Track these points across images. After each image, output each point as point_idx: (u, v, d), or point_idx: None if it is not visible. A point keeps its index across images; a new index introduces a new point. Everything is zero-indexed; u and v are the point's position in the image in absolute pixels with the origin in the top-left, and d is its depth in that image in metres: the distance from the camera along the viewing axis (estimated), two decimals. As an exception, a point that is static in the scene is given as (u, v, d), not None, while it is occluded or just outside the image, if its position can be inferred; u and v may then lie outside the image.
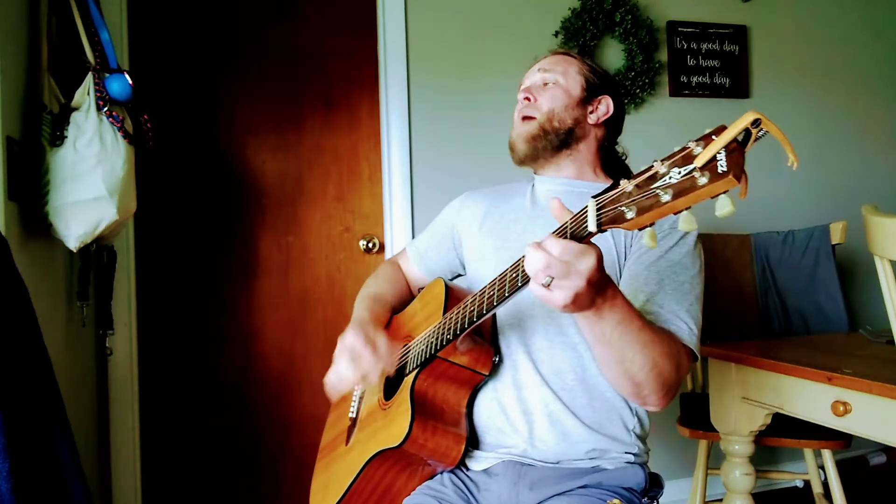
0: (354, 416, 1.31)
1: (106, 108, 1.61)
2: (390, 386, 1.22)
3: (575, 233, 0.84)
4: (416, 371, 1.12)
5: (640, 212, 0.76)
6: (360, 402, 1.33)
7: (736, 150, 0.70)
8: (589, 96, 1.30)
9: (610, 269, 1.11)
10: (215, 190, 2.31)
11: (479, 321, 1.01)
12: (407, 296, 1.45)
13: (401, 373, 1.19)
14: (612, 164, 1.36)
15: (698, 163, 0.71)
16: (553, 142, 1.27)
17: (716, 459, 2.14)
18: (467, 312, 1.04)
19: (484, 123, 2.42)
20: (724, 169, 0.69)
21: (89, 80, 1.61)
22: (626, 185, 0.78)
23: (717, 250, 2.36)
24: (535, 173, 1.35)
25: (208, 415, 2.30)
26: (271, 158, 2.36)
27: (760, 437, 1.82)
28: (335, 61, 2.40)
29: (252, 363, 2.34)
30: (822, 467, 2.19)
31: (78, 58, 1.66)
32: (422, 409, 1.08)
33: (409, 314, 1.32)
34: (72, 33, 1.66)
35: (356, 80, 2.41)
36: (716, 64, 2.66)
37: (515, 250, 1.20)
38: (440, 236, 1.42)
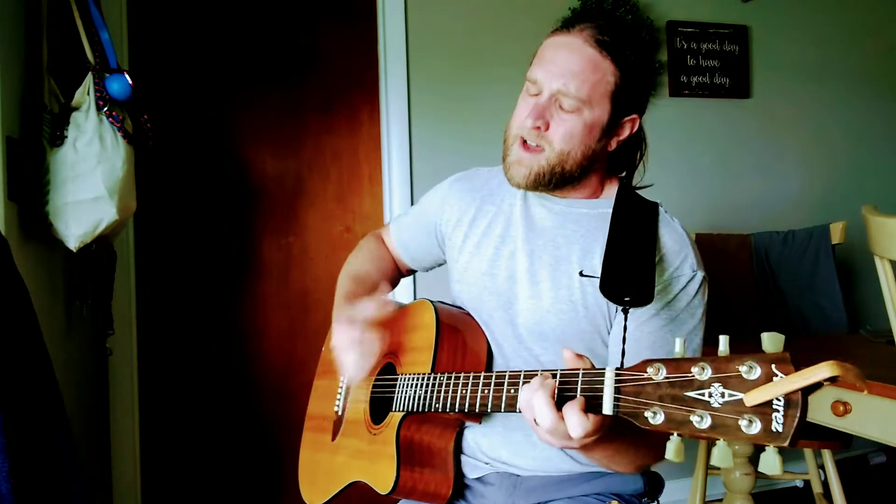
0: (340, 413, 1.30)
1: (106, 108, 1.61)
2: (376, 403, 1.19)
3: (585, 395, 0.76)
4: (402, 415, 1.08)
5: (667, 423, 0.65)
6: (345, 398, 1.31)
7: (797, 404, 0.57)
8: (615, 118, 1.05)
9: (601, 320, 1.05)
10: (215, 190, 2.31)
11: (469, 414, 0.99)
12: (393, 273, 1.36)
13: (388, 399, 1.15)
14: (619, 160, 1.18)
15: (749, 400, 0.59)
16: (559, 181, 1.06)
17: (716, 459, 2.13)
18: (459, 397, 0.97)
19: (484, 123, 2.42)
20: (779, 430, 0.57)
21: (89, 80, 1.61)
22: (655, 374, 0.67)
23: (717, 250, 2.36)
24: None
25: (208, 415, 2.30)
26: (271, 158, 2.36)
27: (760, 437, 1.81)
28: (335, 62, 2.40)
29: (252, 363, 2.34)
30: (822, 467, 2.19)
31: (78, 58, 1.66)
32: (408, 454, 1.07)
33: (393, 325, 1.24)
34: (72, 33, 1.66)
35: (356, 81, 2.41)
36: (716, 64, 2.66)
37: (502, 279, 1.12)
38: (424, 231, 1.30)
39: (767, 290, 2.36)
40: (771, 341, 0.61)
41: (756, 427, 0.58)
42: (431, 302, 1.15)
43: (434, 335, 1.08)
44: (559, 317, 1.06)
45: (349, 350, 1.08)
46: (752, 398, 0.58)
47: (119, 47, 2.05)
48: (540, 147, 1.04)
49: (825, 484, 2.21)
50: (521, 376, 0.87)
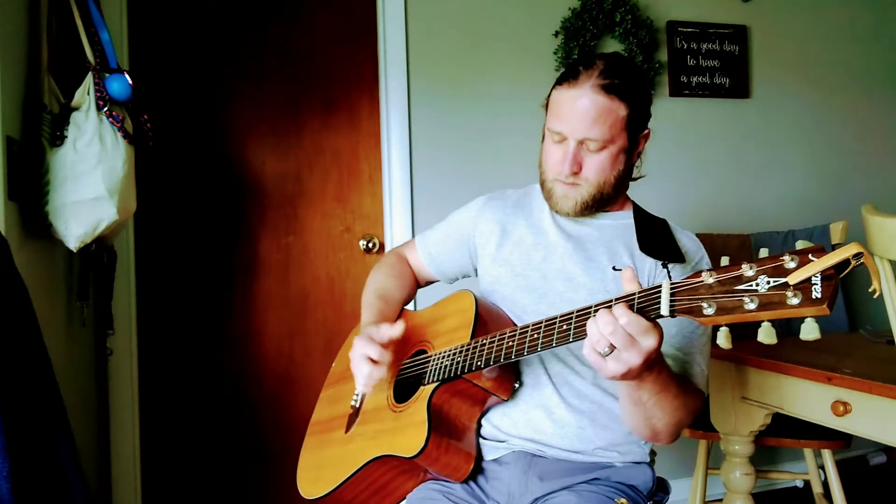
0: (357, 405, 1.31)
1: (106, 108, 1.61)
2: (401, 388, 1.21)
3: (643, 308, 0.85)
4: (435, 385, 1.12)
5: (720, 311, 0.76)
6: (363, 393, 1.32)
7: (832, 277, 0.69)
8: (633, 140, 1.19)
9: None
10: (215, 190, 2.31)
11: (516, 359, 1.03)
12: (414, 291, 1.44)
13: (416, 380, 1.19)
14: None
15: (792, 280, 0.71)
16: (600, 204, 1.21)
17: (716, 459, 2.14)
18: (504, 347, 1.03)
19: (484, 123, 2.42)
20: (819, 296, 0.69)
21: (89, 80, 1.61)
22: (707, 278, 0.78)
23: (717, 250, 2.36)
24: None
25: (208, 415, 2.30)
26: (271, 158, 2.36)
27: (760, 437, 1.82)
28: (335, 61, 2.40)
29: (252, 363, 2.34)
30: (822, 467, 2.19)
31: (78, 58, 1.66)
32: (437, 424, 1.10)
33: (428, 318, 1.31)
34: (72, 33, 1.66)
35: (356, 80, 2.41)
36: (716, 64, 2.66)
37: (535, 279, 1.22)
38: (454, 243, 1.39)
39: (767, 290, 2.36)
40: (804, 244, 0.74)
41: (799, 298, 0.70)
42: (471, 291, 1.23)
43: (473, 314, 1.16)
44: None
45: (363, 363, 1.15)
46: (796, 277, 0.70)
47: (119, 47, 2.06)
48: (578, 184, 1.18)
49: (825, 484, 2.21)
50: (574, 313, 0.94)
